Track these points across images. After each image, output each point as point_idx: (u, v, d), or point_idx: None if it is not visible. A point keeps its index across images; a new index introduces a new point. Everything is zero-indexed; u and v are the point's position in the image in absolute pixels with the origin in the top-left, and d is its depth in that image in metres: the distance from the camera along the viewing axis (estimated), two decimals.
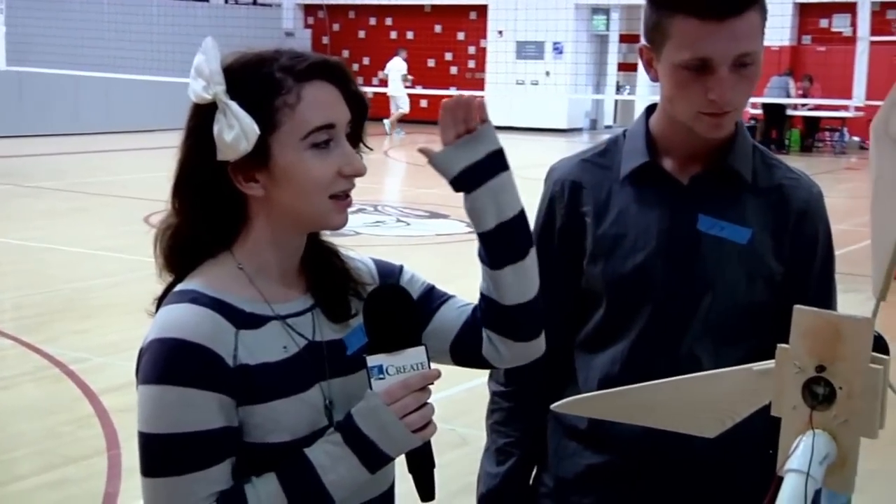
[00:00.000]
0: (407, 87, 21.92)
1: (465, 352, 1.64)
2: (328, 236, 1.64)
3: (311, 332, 1.53)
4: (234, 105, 1.43)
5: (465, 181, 1.55)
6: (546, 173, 2.00)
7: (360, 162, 1.51)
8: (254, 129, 1.42)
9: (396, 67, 22.10)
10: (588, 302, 1.93)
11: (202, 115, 1.46)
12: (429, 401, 1.47)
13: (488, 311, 1.60)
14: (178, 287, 1.50)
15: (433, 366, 1.48)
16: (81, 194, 12.69)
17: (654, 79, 1.84)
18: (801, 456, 1.07)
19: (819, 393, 1.10)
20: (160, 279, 1.56)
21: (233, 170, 1.46)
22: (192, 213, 1.50)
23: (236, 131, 1.42)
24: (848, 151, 20.85)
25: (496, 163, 1.55)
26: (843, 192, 14.16)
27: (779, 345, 1.13)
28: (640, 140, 1.90)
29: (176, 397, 1.41)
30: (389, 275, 1.67)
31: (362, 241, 9.80)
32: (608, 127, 24.82)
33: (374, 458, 1.44)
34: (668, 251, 1.84)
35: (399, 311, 1.48)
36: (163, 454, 1.42)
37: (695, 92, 1.74)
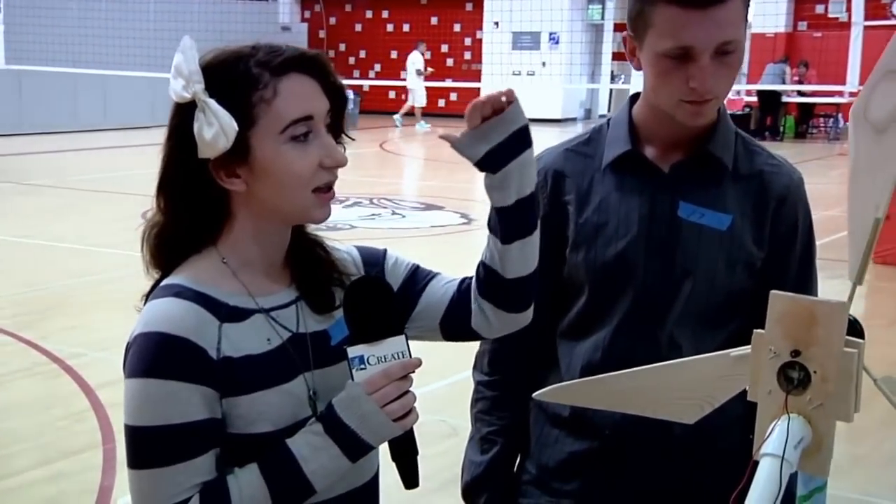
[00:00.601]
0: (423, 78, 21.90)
1: (455, 326, 1.66)
2: (314, 228, 1.64)
3: (296, 324, 1.55)
4: (212, 103, 1.44)
5: (491, 163, 1.54)
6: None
7: (340, 153, 1.52)
8: (232, 126, 1.43)
9: (413, 61, 22.14)
10: (570, 290, 1.93)
11: (183, 114, 1.48)
12: (410, 389, 1.48)
13: (488, 283, 1.61)
14: (165, 282, 1.52)
15: (413, 353, 1.49)
16: (78, 191, 12.69)
17: (638, 67, 1.84)
18: (776, 440, 1.08)
19: (794, 377, 1.11)
20: (147, 276, 1.58)
21: (214, 167, 1.48)
22: (176, 211, 1.52)
23: (215, 129, 1.43)
24: (842, 137, 20.83)
25: (521, 141, 1.54)
26: (836, 178, 14.17)
27: (755, 330, 1.13)
28: (622, 128, 1.91)
29: (161, 390, 1.42)
30: (374, 261, 1.68)
31: (358, 235, 9.81)
32: (602, 116, 24.79)
33: (355, 448, 1.45)
34: (649, 238, 1.85)
35: (378, 301, 1.49)
36: (148, 446, 1.44)
37: (676, 80, 1.75)
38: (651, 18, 1.75)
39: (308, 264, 1.60)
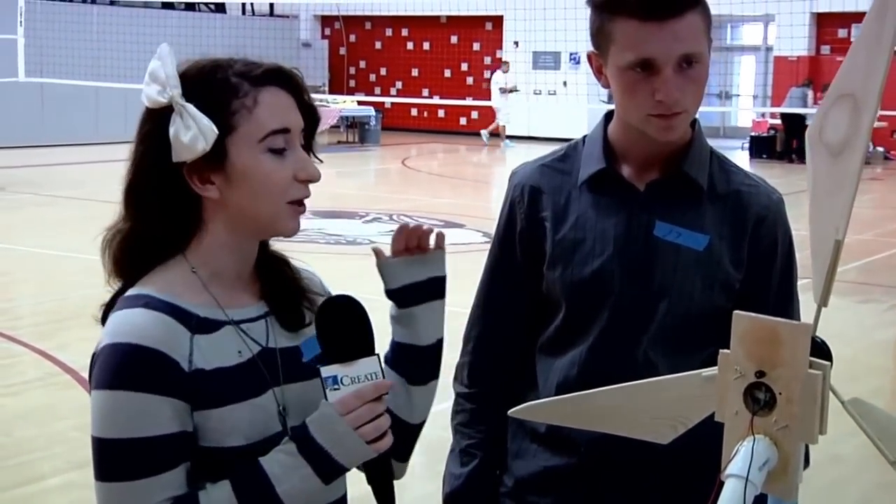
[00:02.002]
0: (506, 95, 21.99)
1: None
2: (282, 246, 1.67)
3: (265, 339, 1.54)
4: (190, 107, 1.45)
5: (401, 296, 1.63)
6: (508, 177, 2.02)
7: (314, 168, 1.54)
8: (212, 129, 1.44)
9: (496, 80, 22.30)
10: (548, 306, 1.94)
11: (155, 120, 1.48)
12: (384, 413, 1.47)
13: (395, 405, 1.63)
14: (130, 292, 1.50)
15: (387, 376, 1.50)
16: (97, 203, 12.73)
17: (605, 85, 1.85)
18: (740, 461, 1.08)
19: (760, 398, 1.12)
20: (108, 286, 1.56)
21: (188, 171, 1.47)
22: (145, 217, 1.50)
23: (193, 132, 1.44)
24: (872, 162, 20.69)
25: (435, 289, 1.64)
26: (867, 203, 14.08)
27: (721, 350, 1.14)
28: (597, 146, 1.91)
29: (130, 402, 1.41)
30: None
31: None
32: None
33: (328, 469, 1.44)
34: (625, 257, 1.86)
35: (351, 321, 1.48)
36: (117, 459, 1.42)
37: (642, 94, 1.76)
38: (612, 33, 1.77)
39: (278, 281, 1.60)
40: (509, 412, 1.38)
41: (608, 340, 1.87)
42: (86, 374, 5.93)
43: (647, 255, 1.85)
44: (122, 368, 1.42)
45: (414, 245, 1.62)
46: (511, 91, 22.26)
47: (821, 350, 1.13)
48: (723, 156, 1.95)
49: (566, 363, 1.91)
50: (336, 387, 1.45)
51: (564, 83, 23.33)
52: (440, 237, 1.64)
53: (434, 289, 1.64)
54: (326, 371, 1.45)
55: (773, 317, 1.82)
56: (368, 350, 1.48)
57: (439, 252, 1.64)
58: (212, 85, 1.48)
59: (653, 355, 1.86)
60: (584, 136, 1.98)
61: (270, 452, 1.45)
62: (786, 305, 1.91)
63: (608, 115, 1.94)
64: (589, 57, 1.86)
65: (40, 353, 6.53)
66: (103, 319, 1.52)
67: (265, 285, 1.59)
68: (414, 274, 1.63)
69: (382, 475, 1.49)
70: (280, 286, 1.60)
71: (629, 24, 1.74)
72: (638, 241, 1.86)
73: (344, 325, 1.48)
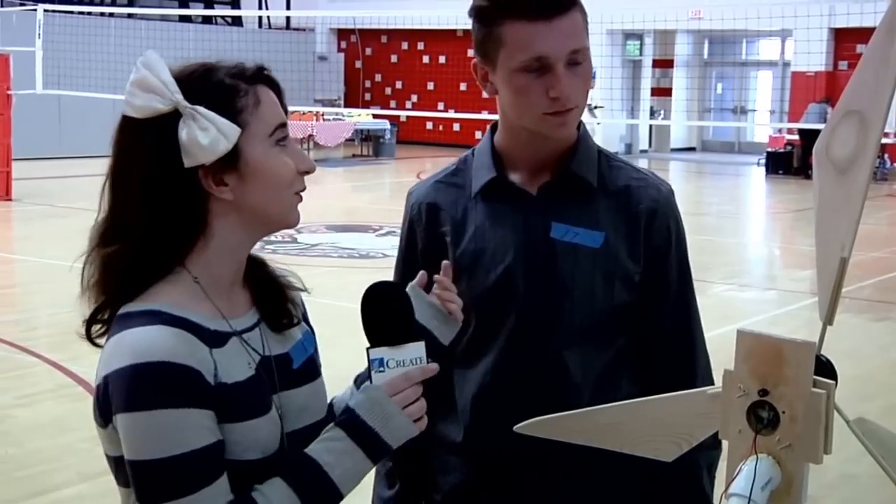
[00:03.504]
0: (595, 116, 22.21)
1: None
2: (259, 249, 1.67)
3: (262, 347, 1.55)
4: (202, 109, 1.44)
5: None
6: (406, 197, 2.04)
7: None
8: (233, 128, 1.45)
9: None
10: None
11: (154, 129, 1.46)
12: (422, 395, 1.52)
13: None
14: (136, 308, 1.46)
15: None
16: None
17: (492, 93, 1.89)
18: (742, 480, 1.08)
19: (764, 417, 1.11)
20: (89, 304, 1.51)
21: (204, 174, 1.46)
22: (149, 229, 1.47)
23: (213, 133, 1.44)
24: (890, 178, 20.58)
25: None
26: (882, 220, 14.01)
27: (725, 368, 1.13)
28: (486, 156, 1.95)
29: (170, 419, 1.39)
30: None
31: (390, 264, 9.80)
32: (643, 151, 24.73)
33: (376, 449, 1.48)
34: (526, 261, 1.88)
35: (398, 306, 1.54)
36: (169, 478, 1.40)
37: (536, 94, 1.79)
38: (501, 37, 1.80)
39: (263, 284, 1.61)
40: (515, 427, 1.38)
41: (518, 345, 1.90)
42: None
43: (547, 257, 1.88)
44: (155, 387, 1.39)
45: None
46: (596, 108, 22.45)
47: (825, 368, 1.12)
48: (610, 153, 1.99)
49: (480, 372, 1.93)
50: (381, 369, 1.50)
51: None
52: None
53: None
54: (374, 353, 1.50)
55: (680, 312, 1.95)
56: (413, 336, 1.53)
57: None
58: (211, 86, 1.48)
59: (565, 356, 1.88)
60: (473, 149, 2.01)
61: (314, 443, 1.48)
62: (685, 296, 1.95)
63: (494, 126, 1.98)
64: (474, 66, 1.89)
65: (53, 364, 6.54)
66: (88, 334, 1.50)
67: (254, 290, 1.59)
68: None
69: (417, 454, 1.58)
70: (266, 289, 1.60)
71: (518, 25, 1.78)
72: (537, 244, 1.89)
73: (391, 309, 1.53)
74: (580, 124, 1.92)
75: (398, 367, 1.50)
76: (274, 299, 1.60)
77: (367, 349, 1.50)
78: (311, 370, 1.62)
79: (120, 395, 1.41)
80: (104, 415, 1.46)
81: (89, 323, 1.51)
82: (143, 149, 1.48)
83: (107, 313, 1.50)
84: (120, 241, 1.49)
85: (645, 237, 1.90)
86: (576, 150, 1.91)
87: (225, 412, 1.44)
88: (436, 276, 1.80)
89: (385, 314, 1.52)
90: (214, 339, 1.47)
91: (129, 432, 1.41)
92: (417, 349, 1.52)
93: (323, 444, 1.47)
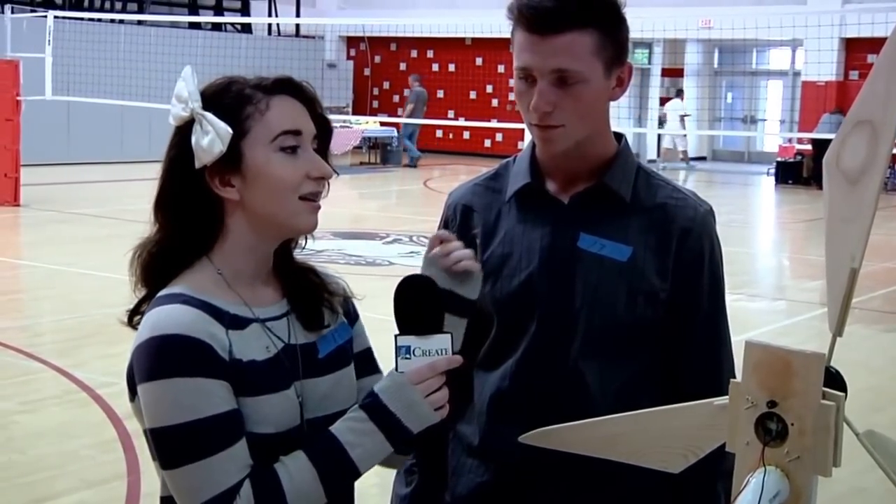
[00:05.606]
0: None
1: None
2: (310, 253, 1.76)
3: (287, 336, 1.65)
4: (208, 114, 1.57)
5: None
6: (446, 198, 2.10)
7: (327, 166, 1.64)
8: (227, 130, 1.56)
9: (674, 107, 22.67)
10: (484, 323, 1.93)
11: (181, 134, 1.61)
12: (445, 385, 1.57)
13: None
14: (163, 292, 1.60)
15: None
16: (119, 221, 12.82)
17: None
18: (750, 493, 1.06)
19: (772, 429, 1.09)
20: (135, 293, 1.67)
21: (210, 175, 1.59)
22: (175, 224, 1.62)
23: (211, 135, 1.56)
24: None
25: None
26: (894, 230, 13.95)
27: (732, 379, 1.12)
28: (525, 163, 1.99)
29: (187, 386, 1.50)
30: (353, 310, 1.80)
31: (397, 272, 9.82)
32: (651, 161, 24.68)
33: (396, 433, 1.55)
34: (550, 269, 1.90)
35: (428, 299, 1.59)
36: (187, 442, 1.50)
37: (524, 103, 1.86)
38: (512, 40, 1.88)
39: (301, 285, 1.71)
40: (520, 437, 1.36)
41: (537, 352, 1.91)
42: (101, 392, 5.91)
43: (571, 266, 1.90)
44: (173, 357, 1.51)
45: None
46: (685, 116, 22.74)
47: (835, 380, 1.10)
48: (652, 171, 2.01)
49: (498, 376, 1.95)
50: (407, 356, 1.56)
51: None
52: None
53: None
54: (402, 340, 1.57)
55: (709, 335, 1.93)
56: (440, 328, 1.58)
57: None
58: (228, 95, 1.61)
59: (581, 365, 1.89)
60: (515, 156, 2.05)
61: (337, 423, 1.57)
62: (716, 317, 1.94)
63: None
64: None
65: (59, 370, 6.53)
66: (130, 321, 1.64)
67: (288, 288, 1.69)
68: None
69: (439, 442, 1.63)
70: (303, 290, 1.70)
71: (519, 34, 1.85)
72: (562, 252, 1.90)
73: (424, 300, 1.59)
74: (622, 137, 1.95)
75: (424, 357, 1.56)
76: (308, 302, 1.69)
77: (396, 336, 1.56)
78: (338, 360, 1.70)
79: (140, 366, 1.54)
80: (132, 388, 1.57)
81: (132, 313, 1.65)
82: (168, 151, 1.65)
83: (146, 304, 1.64)
84: (155, 236, 1.65)
85: (676, 256, 1.90)
86: (612, 164, 1.93)
87: (239, 385, 1.54)
88: (436, 249, 1.76)
89: (422, 305, 1.58)
90: (233, 322, 1.58)
91: (148, 400, 1.52)
92: (443, 340, 1.57)
93: (346, 423, 1.56)
